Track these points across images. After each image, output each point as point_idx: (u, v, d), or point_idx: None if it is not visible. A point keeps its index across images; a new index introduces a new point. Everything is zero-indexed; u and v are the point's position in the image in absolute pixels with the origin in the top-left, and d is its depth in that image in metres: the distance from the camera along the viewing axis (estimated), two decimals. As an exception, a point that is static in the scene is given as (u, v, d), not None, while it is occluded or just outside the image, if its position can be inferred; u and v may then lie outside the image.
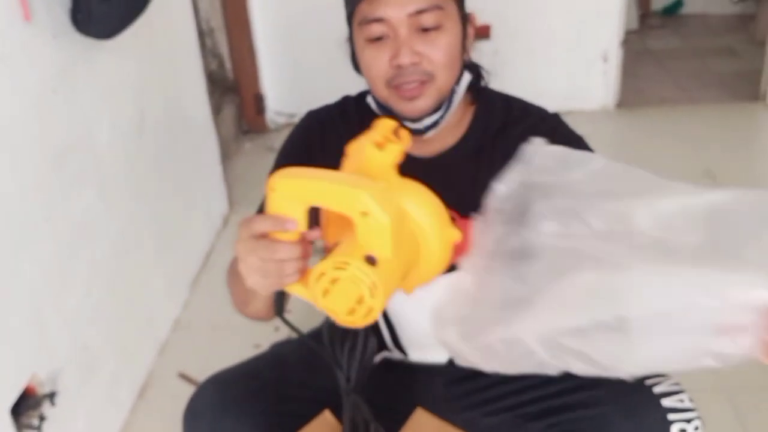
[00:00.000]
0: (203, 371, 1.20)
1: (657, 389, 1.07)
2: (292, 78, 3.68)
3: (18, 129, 1.47)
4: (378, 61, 1.09)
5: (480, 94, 1.20)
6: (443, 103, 1.12)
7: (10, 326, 1.42)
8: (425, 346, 1.28)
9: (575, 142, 1.17)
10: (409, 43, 1.06)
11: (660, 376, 1.09)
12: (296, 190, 0.87)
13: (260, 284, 0.91)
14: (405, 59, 1.06)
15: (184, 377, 2.04)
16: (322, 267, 0.86)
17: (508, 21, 3.55)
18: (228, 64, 3.52)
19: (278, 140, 3.36)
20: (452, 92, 1.13)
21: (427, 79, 1.08)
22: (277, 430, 1.15)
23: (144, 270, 2.07)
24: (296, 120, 1.30)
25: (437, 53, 1.07)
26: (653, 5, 5.35)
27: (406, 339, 1.28)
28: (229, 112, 3.40)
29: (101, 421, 1.80)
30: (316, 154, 1.22)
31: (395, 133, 0.97)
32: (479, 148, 1.18)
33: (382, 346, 1.32)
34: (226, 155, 3.09)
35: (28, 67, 1.52)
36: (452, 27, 1.09)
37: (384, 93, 1.12)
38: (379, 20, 1.06)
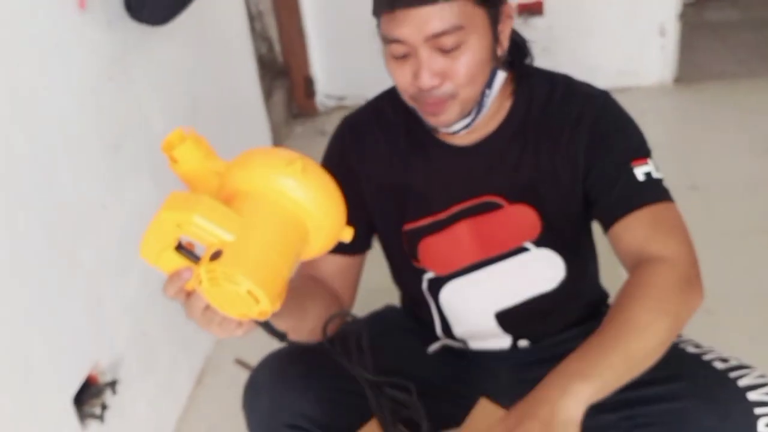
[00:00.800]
0: (259, 357, 1.20)
1: (742, 382, 1.02)
2: (342, 61, 3.64)
3: (74, 118, 1.47)
4: (401, 78, 1.07)
5: (522, 76, 1.16)
6: (472, 108, 1.09)
7: (72, 315, 1.43)
8: (484, 336, 1.25)
9: (623, 123, 1.14)
10: (429, 65, 1.02)
11: (745, 367, 1.05)
12: (151, 246, 0.83)
13: (221, 333, 0.90)
14: (425, 82, 1.03)
15: (240, 363, 2.04)
16: (190, 286, 0.85)
17: (561, -4, 3.47)
18: (277, 48, 3.50)
19: (329, 123, 3.35)
20: (483, 94, 1.09)
21: (449, 98, 1.05)
22: (337, 406, 1.15)
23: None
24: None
25: (459, 73, 1.03)
26: (710, -24, 5.17)
27: (461, 331, 1.26)
28: (279, 96, 3.39)
29: (161, 408, 1.81)
30: (353, 165, 1.21)
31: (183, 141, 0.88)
32: (521, 131, 1.14)
33: (433, 336, 1.29)
34: (278, 139, 3.08)
35: (83, 55, 1.52)
36: (477, 40, 1.03)
37: (410, 103, 1.10)
38: (398, 41, 1.03)
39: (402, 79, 1.06)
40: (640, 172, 1.08)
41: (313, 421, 1.15)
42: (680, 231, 1.06)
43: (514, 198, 1.14)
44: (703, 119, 3.31)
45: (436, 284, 1.23)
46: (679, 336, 1.16)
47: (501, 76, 1.11)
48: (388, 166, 1.19)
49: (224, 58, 2.40)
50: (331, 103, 3.68)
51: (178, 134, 0.88)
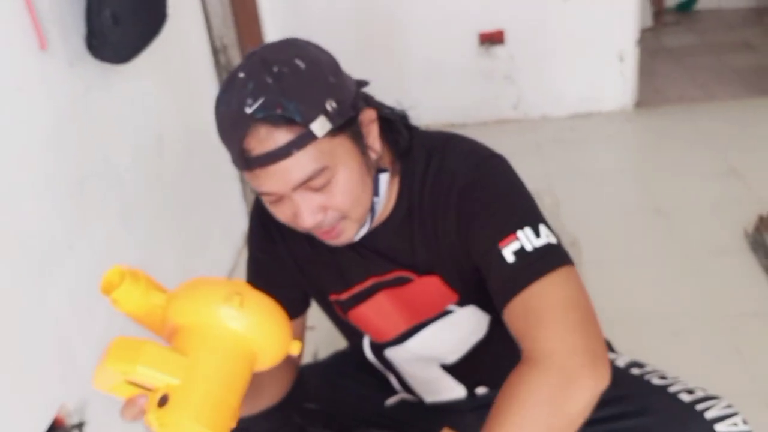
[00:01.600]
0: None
1: (709, 414, 1.03)
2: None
3: (37, 158, 1.46)
4: (283, 217, 1.01)
5: (402, 160, 1.09)
6: (366, 218, 1.05)
7: (38, 356, 1.41)
8: (439, 389, 1.26)
9: (489, 198, 1.03)
10: (306, 206, 0.96)
11: (712, 398, 1.06)
12: (102, 382, 0.85)
13: None
14: (307, 222, 0.98)
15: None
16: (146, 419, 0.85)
17: (521, 25, 3.53)
18: (242, 80, 3.50)
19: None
20: (373, 202, 1.05)
21: (338, 221, 1.01)
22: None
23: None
24: None
25: (338, 202, 0.98)
26: (667, 2, 5.31)
27: (415, 385, 1.27)
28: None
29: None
30: (274, 238, 1.18)
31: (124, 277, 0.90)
32: (408, 215, 1.09)
33: (391, 389, 1.30)
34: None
35: (45, 96, 1.51)
36: (346, 167, 0.97)
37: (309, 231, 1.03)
38: (267, 193, 0.98)
39: (285, 218, 1.01)
40: (508, 252, 0.98)
41: None
42: (554, 315, 0.93)
43: (421, 271, 1.11)
44: (664, 143, 3.38)
45: (378, 348, 1.24)
46: (644, 366, 1.17)
47: (384, 177, 1.05)
48: (303, 243, 1.15)
49: (189, 92, 2.40)
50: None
51: (117, 272, 0.88)
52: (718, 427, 1.02)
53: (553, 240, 0.99)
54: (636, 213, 2.78)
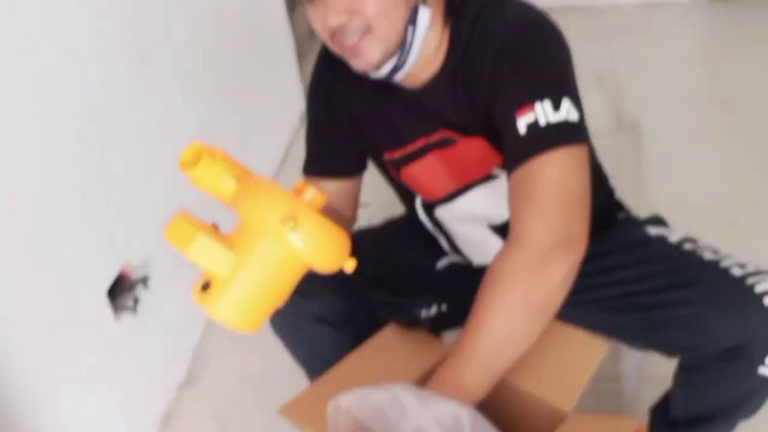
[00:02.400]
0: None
1: (759, 288, 1.02)
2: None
3: (100, 28, 1.52)
4: (315, 23, 1.04)
5: (454, 12, 1.08)
6: (396, 48, 1.04)
7: (103, 216, 1.51)
8: (486, 251, 1.28)
9: (521, 61, 1.02)
10: (334, 5, 0.99)
11: (763, 273, 1.05)
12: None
13: None
14: (331, 21, 1.00)
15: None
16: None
17: None
18: (303, -39, 3.47)
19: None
20: (406, 31, 1.04)
21: (363, 33, 1.01)
22: (363, 304, 1.21)
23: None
24: None
25: (366, 7, 0.98)
26: None
27: (464, 248, 1.30)
28: (303, 9, 3.37)
29: (192, 303, 1.89)
30: (332, 97, 1.21)
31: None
32: (455, 69, 1.09)
33: (442, 251, 1.34)
34: (302, 53, 3.09)
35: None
36: None
37: (336, 51, 1.06)
38: None
39: (317, 24, 1.04)
40: (522, 123, 0.97)
41: (340, 314, 1.20)
42: (541, 196, 0.95)
43: (465, 132, 1.12)
44: (735, 36, 3.26)
45: (429, 207, 1.26)
46: (697, 242, 1.16)
47: (425, 13, 1.05)
48: (360, 100, 1.18)
49: (248, -31, 2.40)
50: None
51: (196, 148, 0.93)
52: (766, 300, 1.01)
53: (572, 117, 0.97)
54: (702, 103, 2.72)
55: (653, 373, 1.46)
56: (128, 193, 1.61)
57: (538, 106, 0.97)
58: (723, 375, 1.11)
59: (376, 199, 1.39)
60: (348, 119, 1.22)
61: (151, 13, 1.72)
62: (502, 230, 1.25)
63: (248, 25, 2.35)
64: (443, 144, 1.15)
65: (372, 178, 1.32)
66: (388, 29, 1.02)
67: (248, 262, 0.87)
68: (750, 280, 1.04)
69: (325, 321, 1.21)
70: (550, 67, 1.02)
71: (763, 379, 1.07)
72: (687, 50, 3.23)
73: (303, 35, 3.30)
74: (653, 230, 1.22)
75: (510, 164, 0.99)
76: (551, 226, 0.93)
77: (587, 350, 1.11)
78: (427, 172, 1.19)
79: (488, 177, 1.17)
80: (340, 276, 1.02)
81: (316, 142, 1.26)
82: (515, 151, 0.99)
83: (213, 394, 1.84)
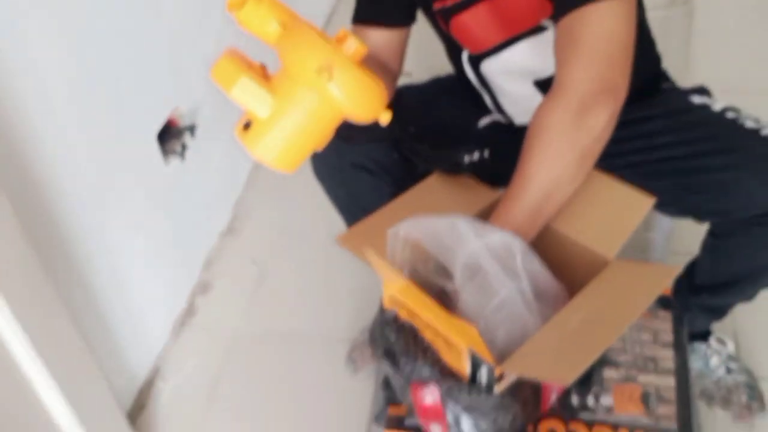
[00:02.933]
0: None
1: None
2: None
3: None
4: None
5: None
6: None
7: (153, 65, 1.53)
8: (529, 110, 1.29)
9: None
10: None
11: None
12: None
13: None
14: None
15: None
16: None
17: None
18: None
19: None
20: None
21: None
22: (402, 159, 1.23)
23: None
24: None
25: None
26: None
27: (507, 104, 1.31)
28: None
29: (235, 156, 1.95)
30: None
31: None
32: None
33: (485, 109, 1.35)
34: None
35: None
36: None
37: None
38: None
39: None
40: None
41: (378, 163, 1.23)
42: (589, 45, 0.96)
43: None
44: None
45: (475, 60, 1.26)
46: (740, 111, 1.16)
47: None
48: None
49: None
50: None
51: None
52: None
53: None
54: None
55: (679, 247, 1.49)
56: (178, 41, 1.62)
57: None
58: (752, 240, 1.14)
59: (419, 68, 1.39)
60: None
61: None
62: (547, 85, 1.23)
63: None
64: None
65: (416, 47, 1.31)
66: None
67: (286, 107, 0.90)
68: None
69: (364, 168, 1.23)
70: None
71: None
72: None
73: None
74: (697, 99, 1.22)
75: (559, 11, 1.00)
76: (596, 73, 0.95)
77: (633, 203, 1.13)
78: (476, 21, 1.19)
79: (537, 29, 1.17)
80: (382, 127, 1.03)
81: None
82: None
83: (252, 243, 1.92)
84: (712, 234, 1.24)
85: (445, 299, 0.99)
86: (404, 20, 1.25)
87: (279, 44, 0.92)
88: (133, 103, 1.46)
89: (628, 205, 1.13)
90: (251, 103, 0.88)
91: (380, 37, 1.23)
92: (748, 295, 1.30)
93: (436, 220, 0.99)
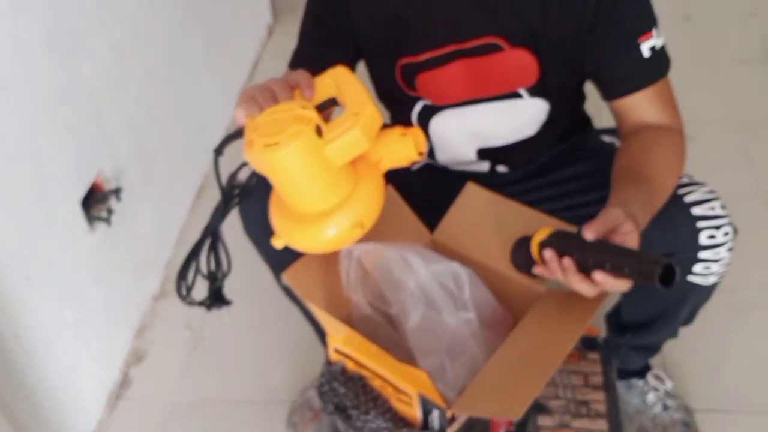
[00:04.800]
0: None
1: (689, 198, 1.09)
2: None
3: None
4: None
5: None
6: None
7: (75, 125, 1.49)
8: (465, 163, 1.31)
9: None
10: None
11: (695, 184, 1.11)
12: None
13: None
14: None
15: (236, 178, 2.12)
16: None
17: None
18: None
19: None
20: None
21: None
22: None
23: (194, 77, 2.11)
24: None
25: None
26: None
27: (444, 158, 1.31)
28: None
29: (163, 217, 1.91)
30: (344, 13, 1.17)
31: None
32: None
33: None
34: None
35: None
36: None
37: None
38: None
39: None
40: (646, 47, 1.10)
41: None
42: (674, 100, 1.15)
43: (516, 42, 1.12)
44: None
45: (429, 112, 1.24)
46: None
47: None
48: None
49: None
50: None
51: None
52: (694, 210, 1.07)
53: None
54: (664, 18, 2.71)
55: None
56: (99, 103, 1.58)
57: (654, 31, 1.11)
58: None
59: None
60: (359, 16, 1.17)
61: None
62: (489, 156, 1.27)
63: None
64: (483, 51, 1.13)
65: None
66: None
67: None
68: (681, 191, 1.10)
69: None
70: (649, 3, 1.14)
71: (693, 285, 1.14)
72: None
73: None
74: (607, 138, 1.28)
75: (638, 82, 1.12)
76: (681, 120, 1.16)
77: None
78: (448, 78, 1.17)
79: (511, 94, 1.17)
80: None
81: (312, 42, 1.22)
82: (640, 74, 1.12)
83: (186, 306, 1.86)
84: None
85: (394, 330, 0.98)
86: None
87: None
88: (55, 169, 1.41)
89: None
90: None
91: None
92: (671, 332, 1.33)
93: (386, 250, 0.99)
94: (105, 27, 1.60)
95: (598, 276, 0.84)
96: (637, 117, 1.13)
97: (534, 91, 1.16)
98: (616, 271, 0.83)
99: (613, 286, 0.85)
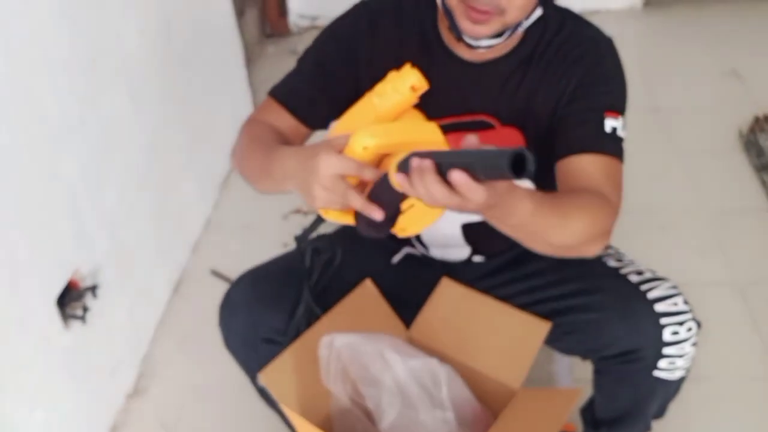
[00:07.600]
0: (234, 268, 1.27)
1: (652, 294, 1.12)
2: (314, -21, 3.62)
3: (49, 34, 1.50)
4: None
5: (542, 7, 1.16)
6: (506, 31, 1.11)
7: (53, 223, 1.50)
8: (447, 244, 1.34)
9: (614, 74, 1.18)
10: None
11: (658, 279, 1.14)
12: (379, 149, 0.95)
13: (315, 202, 0.95)
14: None
15: (216, 274, 2.13)
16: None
17: None
18: (249, -34, 3.48)
19: (301, 44, 3.35)
20: (518, 24, 1.10)
21: (496, 12, 1.06)
22: (309, 318, 1.22)
23: (174, 172, 2.14)
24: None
25: (516, 4, 1.05)
26: None
27: (428, 237, 1.33)
28: (251, 15, 3.39)
29: (140, 313, 1.90)
30: (358, 48, 1.21)
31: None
32: (528, 60, 1.17)
33: (405, 241, 1.38)
34: (250, 59, 3.10)
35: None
36: None
37: (454, 2, 1.09)
38: None
39: None
40: (609, 124, 1.12)
41: (285, 335, 1.22)
42: (620, 189, 1.14)
43: (506, 121, 1.17)
44: (670, 42, 3.37)
45: None
46: (607, 248, 1.25)
47: (537, 12, 1.12)
48: (393, 62, 1.14)
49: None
50: (304, 23, 3.67)
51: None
52: (657, 306, 1.10)
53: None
54: (633, 110, 2.77)
55: (583, 374, 1.52)
56: (77, 201, 1.60)
57: (621, 118, 1.14)
58: (623, 378, 1.20)
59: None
60: (364, 74, 1.20)
61: (100, 21, 1.72)
62: (472, 231, 1.28)
63: (197, 32, 2.35)
64: (475, 127, 1.18)
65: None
66: (515, 18, 1.08)
67: None
68: (644, 287, 1.13)
69: (275, 342, 1.22)
70: (624, 92, 1.18)
71: (659, 381, 1.16)
72: (622, 58, 3.31)
73: (252, 42, 3.31)
74: None
75: (591, 145, 1.11)
76: (619, 198, 1.11)
77: (531, 329, 1.19)
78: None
79: None
80: (291, 296, 1.13)
81: (306, 80, 1.25)
82: (595, 139, 1.12)
83: (161, 404, 1.83)
84: (596, 372, 1.29)
85: (373, 424, 0.98)
86: (314, 123, 1.25)
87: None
88: (31, 268, 1.41)
89: (526, 331, 1.19)
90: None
91: (287, 120, 1.24)
92: (643, 427, 1.34)
93: (364, 344, 0.99)
94: (86, 126, 1.63)
95: (455, 175, 0.78)
96: (579, 183, 1.10)
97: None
98: (470, 168, 0.78)
99: (469, 188, 0.79)
